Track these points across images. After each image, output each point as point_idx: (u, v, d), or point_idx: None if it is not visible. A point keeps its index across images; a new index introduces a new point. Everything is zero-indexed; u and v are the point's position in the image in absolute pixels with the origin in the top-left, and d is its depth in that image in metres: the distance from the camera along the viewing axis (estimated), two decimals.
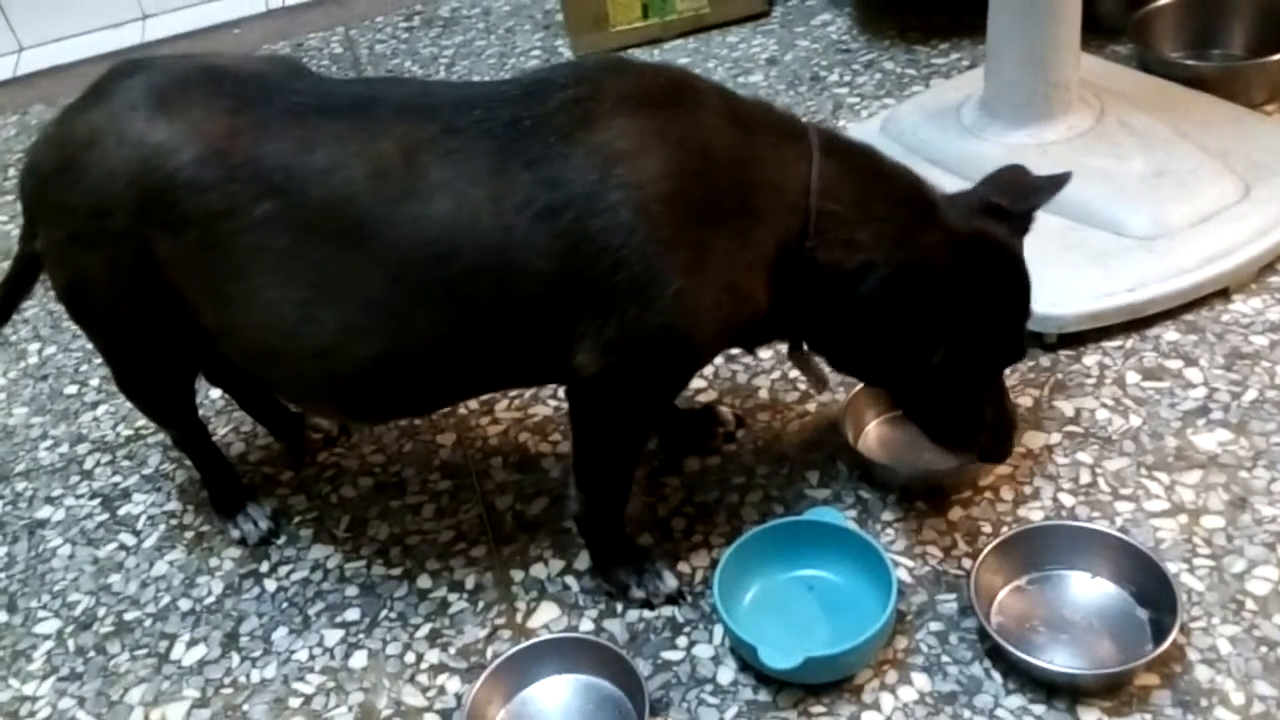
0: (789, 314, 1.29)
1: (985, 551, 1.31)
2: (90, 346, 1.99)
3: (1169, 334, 1.63)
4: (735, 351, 1.72)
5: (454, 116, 1.22)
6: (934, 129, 1.94)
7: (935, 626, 1.32)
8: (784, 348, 1.45)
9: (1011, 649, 1.23)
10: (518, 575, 1.48)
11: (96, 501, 1.73)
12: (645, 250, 1.17)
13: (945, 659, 1.28)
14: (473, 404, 1.75)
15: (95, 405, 1.93)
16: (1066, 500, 1.43)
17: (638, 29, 2.56)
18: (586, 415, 1.33)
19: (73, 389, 1.98)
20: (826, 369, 1.40)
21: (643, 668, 1.31)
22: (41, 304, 2.18)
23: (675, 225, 1.18)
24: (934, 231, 1.28)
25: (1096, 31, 2.12)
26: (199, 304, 1.31)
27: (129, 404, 1.86)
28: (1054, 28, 1.76)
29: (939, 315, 1.27)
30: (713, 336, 1.26)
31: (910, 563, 1.39)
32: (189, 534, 1.64)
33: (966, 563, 1.37)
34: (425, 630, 1.44)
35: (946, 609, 1.34)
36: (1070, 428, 1.52)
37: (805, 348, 1.39)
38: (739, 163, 1.23)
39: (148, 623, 1.52)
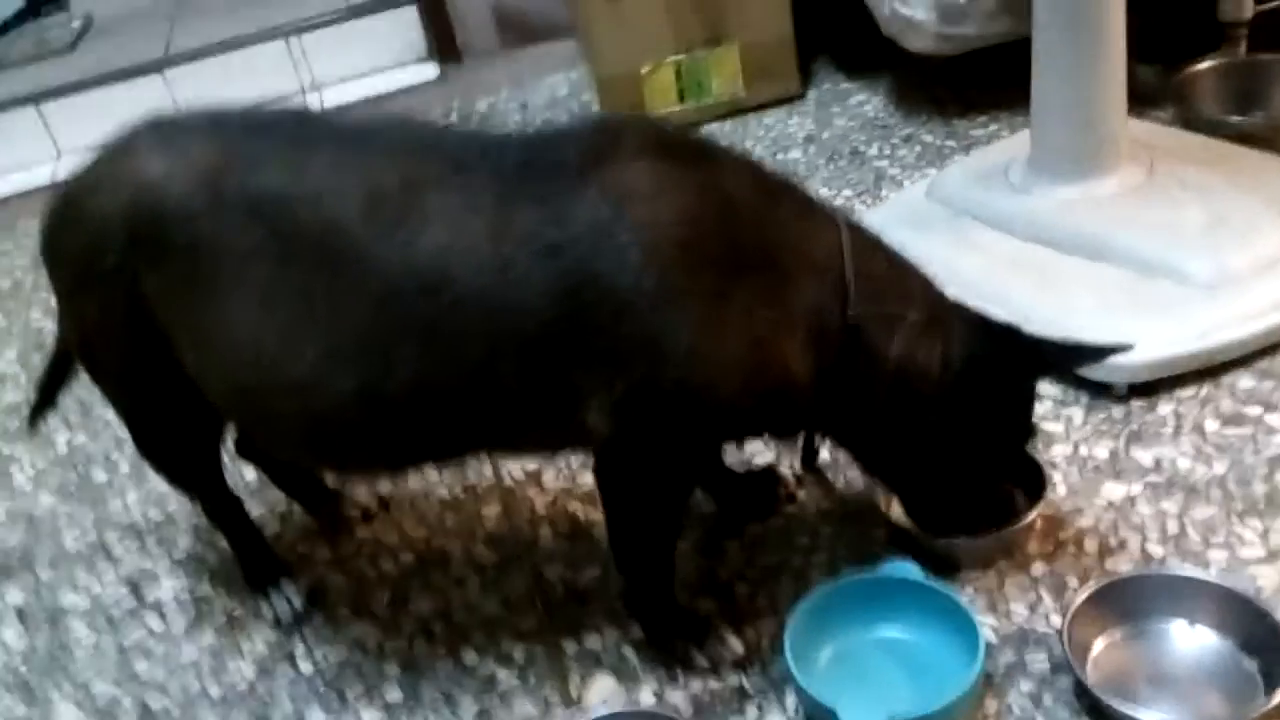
0: (833, 395, 1.19)
1: (1076, 604, 1.23)
2: (123, 435, 1.96)
3: (1244, 381, 1.56)
4: None
5: (463, 153, 1.17)
6: (981, 190, 1.90)
7: (1026, 686, 1.22)
8: None
9: (1116, 704, 1.13)
10: (570, 647, 1.39)
11: (123, 587, 1.65)
12: (656, 299, 1.09)
13: (1040, 718, 1.19)
14: (518, 473, 1.68)
15: (124, 491, 1.86)
16: (1156, 550, 1.34)
17: (674, 113, 2.55)
18: (610, 486, 1.25)
19: (102, 476, 1.91)
20: None
21: None
22: (73, 392, 2.12)
23: (690, 273, 1.10)
24: (969, 310, 1.24)
25: (1134, 99, 2.09)
26: (181, 343, 1.24)
27: (160, 488, 1.82)
28: (1100, 80, 1.73)
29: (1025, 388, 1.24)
30: (735, 398, 1.15)
31: (994, 621, 1.30)
32: (220, 616, 1.56)
33: (1055, 619, 1.28)
34: (472, 710, 1.34)
35: (1037, 668, 1.24)
36: (1151, 477, 1.44)
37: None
38: (763, 220, 1.16)
39: (175, 711, 1.43)
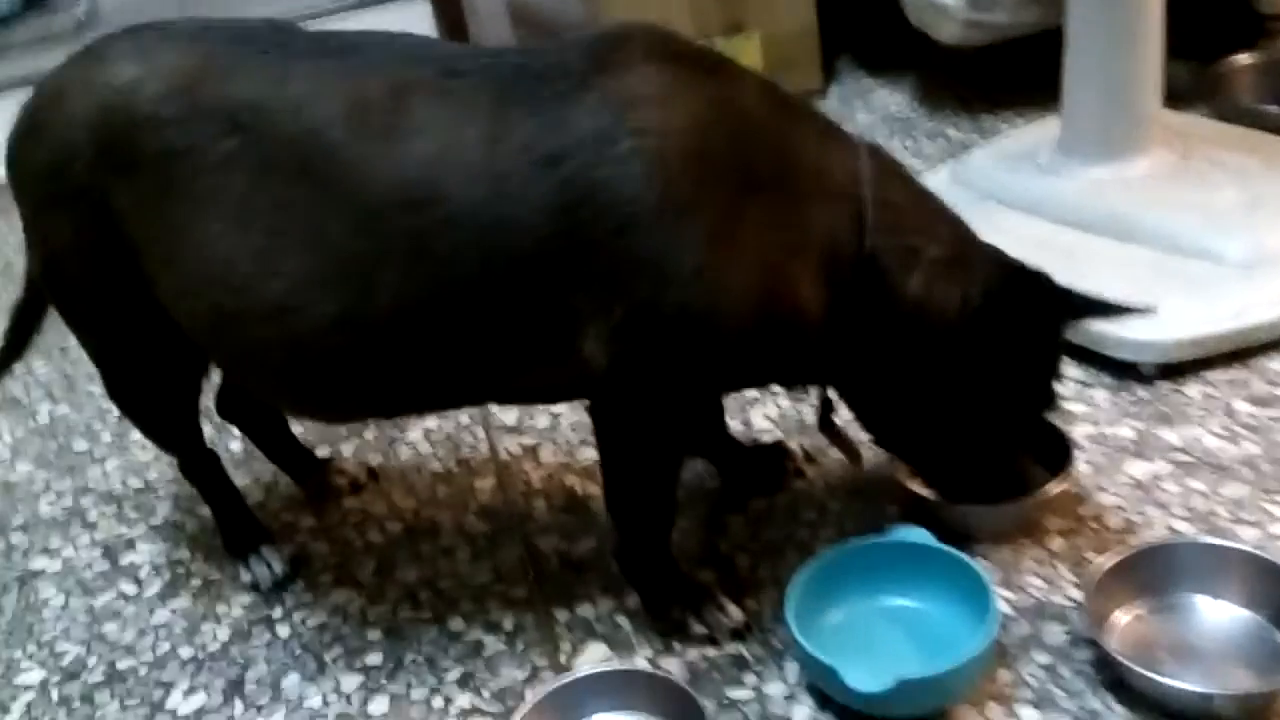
0: (845, 335, 1.13)
1: (1099, 576, 1.15)
2: (106, 406, 1.90)
3: (1276, 363, 1.49)
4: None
5: (456, 61, 1.09)
6: (1007, 172, 1.84)
7: (1042, 659, 1.14)
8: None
9: (1144, 672, 1.05)
10: (562, 615, 1.31)
11: (97, 552, 1.58)
12: (660, 212, 1.01)
13: (1057, 692, 1.11)
14: (514, 448, 1.61)
15: (104, 460, 1.80)
16: (1182, 527, 1.27)
17: None
18: (606, 424, 1.17)
19: (82, 445, 1.85)
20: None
21: (707, 708, 1.13)
22: (59, 367, 2.08)
23: (697, 186, 1.02)
24: (997, 251, 1.17)
25: (1168, 96, 2.02)
26: (153, 264, 1.17)
27: (141, 457, 1.77)
28: (1135, 55, 1.68)
29: (1050, 334, 1.17)
30: (741, 327, 1.07)
31: (1010, 594, 1.22)
32: (196, 581, 1.49)
33: (1073, 593, 1.21)
34: (456, 673, 1.27)
35: (1054, 640, 1.16)
36: (1179, 456, 1.37)
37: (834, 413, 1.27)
38: (778, 137, 1.09)
39: (143, 671, 1.36)
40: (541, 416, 1.66)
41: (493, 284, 1.06)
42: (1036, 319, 1.15)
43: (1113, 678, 1.10)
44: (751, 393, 1.61)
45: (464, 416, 1.70)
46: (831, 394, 1.26)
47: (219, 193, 1.11)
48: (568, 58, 1.08)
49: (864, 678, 1.05)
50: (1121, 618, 1.15)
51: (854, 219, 1.08)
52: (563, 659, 1.25)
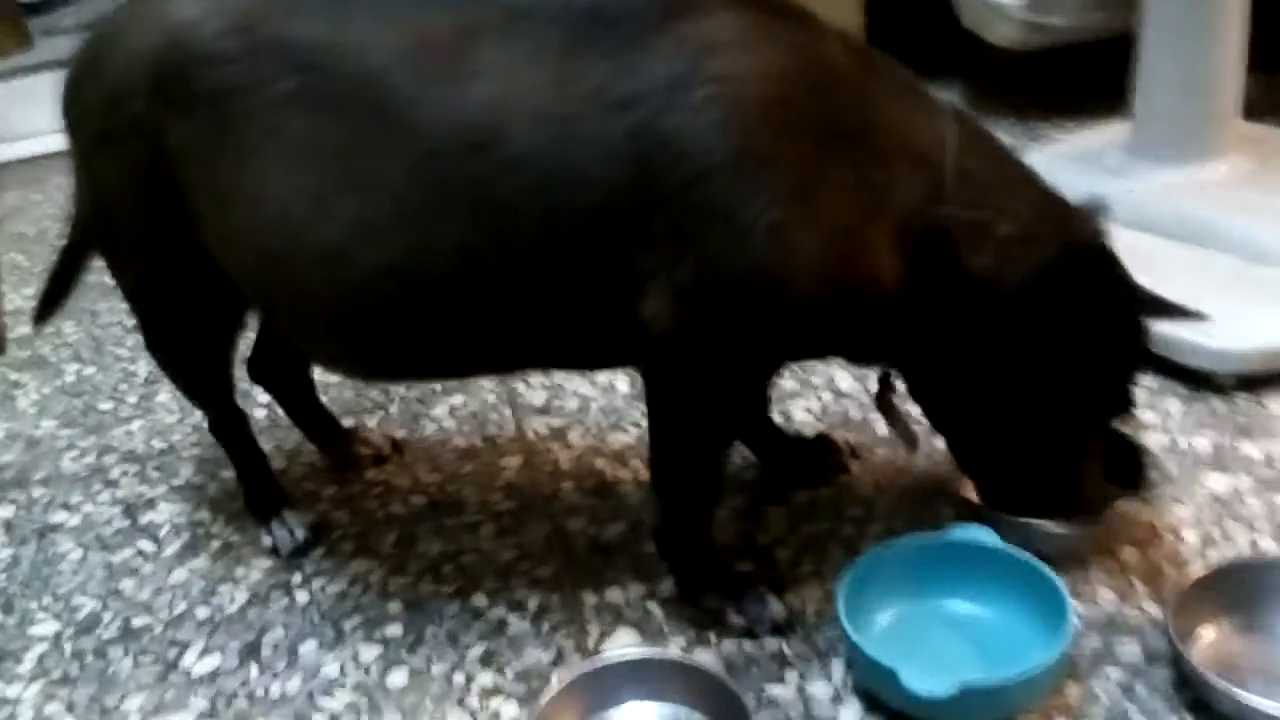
0: (915, 313, 1.05)
1: (1183, 590, 1.07)
2: (133, 369, 1.86)
3: None
4: (843, 386, 1.52)
5: (524, 4, 1.04)
6: (1073, 174, 1.70)
7: (1116, 675, 1.06)
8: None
9: (1232, 690, 0.96)
10: (590, 599, 1.24)
11: (118, 509, 1.54)
12: (735, 164, 0.95)
13: (1131, 708, 1.02)
14: (542, 429, 1.55)
15: (129, 420, 1.75)
16: (1267, 545, 1.18)
17: None
18: (662, 388, 1.09)
19: (108, 405, 1.81)
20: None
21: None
22: (87, 330, 2.04)
23: (777, 137, 0.96)
24: (1085, 224, 1.08)
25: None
26: (204, 207, 1.12)
27: (166, 420, 1.72)
28: (1214, 56, 1.60)
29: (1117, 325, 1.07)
30: (814, 294, 1.00)
31: (1079, 606, 1.13)
32: (215, 543, 1.43)
33: (1148, 607, 1.12)
34: (478, 651, 1.20)
35: (1128, 657, 1.08)
36: (1262, 471, 1.29)
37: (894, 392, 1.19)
38: (862, 92, 1.01)
39: (158, 629, 1.30)
40: (570, 399, 1.61)
41: (553, 234, 1.00)
42: (1091, 303, 1.05)
43: (1193, 697, 1.01)
44: (792, 385, 1.54)
45: (490, 395, 1.64)
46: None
47: (275, 133, 1.06)
48: (642, 2, 1.01)
49: (925, 681, 0.97)
50: (1205, 635, 1.06)
51: (933, 186, 1.01)
52: (590, 643, 1.18)
